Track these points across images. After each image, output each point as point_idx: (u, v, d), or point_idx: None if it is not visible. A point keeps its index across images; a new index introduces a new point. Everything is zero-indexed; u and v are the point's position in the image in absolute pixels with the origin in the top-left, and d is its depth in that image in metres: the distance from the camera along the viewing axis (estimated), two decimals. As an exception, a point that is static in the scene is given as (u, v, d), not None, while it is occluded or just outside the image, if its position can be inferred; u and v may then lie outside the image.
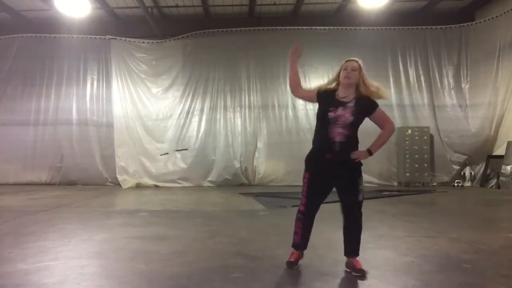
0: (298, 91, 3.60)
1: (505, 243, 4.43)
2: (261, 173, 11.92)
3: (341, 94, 3.36)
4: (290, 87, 3.65)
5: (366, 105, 3.34)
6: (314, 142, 3.47)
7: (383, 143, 3.38)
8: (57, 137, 12.01)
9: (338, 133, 3.26)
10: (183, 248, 4.20)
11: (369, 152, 3.32)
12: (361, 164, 3.37)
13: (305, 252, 3.52)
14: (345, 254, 3.39)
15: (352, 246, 3.36)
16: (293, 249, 3.50)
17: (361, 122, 3.37)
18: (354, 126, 3.31)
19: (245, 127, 12.11)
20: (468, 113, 11.83)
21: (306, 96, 3.67)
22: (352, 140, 3.32)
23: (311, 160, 3.45)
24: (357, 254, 3.35)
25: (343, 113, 3.26)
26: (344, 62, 3.39)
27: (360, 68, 3.33)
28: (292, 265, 3.41)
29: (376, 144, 3.36)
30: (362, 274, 3.22)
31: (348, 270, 3.33)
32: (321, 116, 3.37)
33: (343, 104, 3.30)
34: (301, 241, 3.46)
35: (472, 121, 11.70)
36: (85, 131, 12.01)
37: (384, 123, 3.40)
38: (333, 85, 3.44)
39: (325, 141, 3.32)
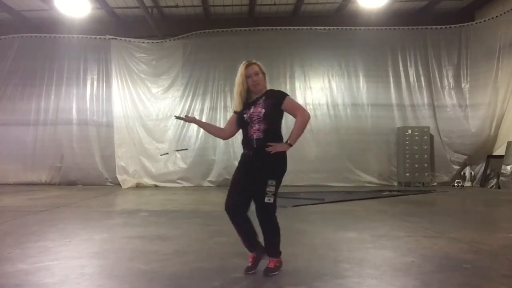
0: (225, 134, 3.62)
1: (505, 243, 4.43)
2: (261, 173, 11.90)
3: (253, 97, 3.42)
4: (218, 137, 3.80)
5: (275, 96, 3.37)
6: (241, 144, 3.45)
7: (299, 132, 3.29)
8: (57, 137, 12.01)
9: (255, 130, 3.26)
10: (183, 248, 4.20)
11: (289, 144, 3.25)
12: (284, 170, 3.32)
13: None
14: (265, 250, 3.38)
15: (267, 246, 3.33)
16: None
17: (277, 114, 3.33)
18: (269, 118, 3.27)
19: (245, 127, 12.08)
20: (468, 113, 11.83)
21: (233, 126, 3.52)
22: (270, 136, 3.25)
23: (239, 161, 3.47)
24: (273, 256, 3.30)
25: (255, 109, 3.29)
26: (244, 68, 3.39)
27: (260, 68, 3.41)
28: (248, 270, 3.32)
29: (293, 135, 3.27)
30: (265, 274, 3.22)
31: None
32: (240, 121, 3.39)
33: (253, 102, 3.36)
34: (244, 243, 3.40)
35: (472, 121, 11.70)
36: (85, 131, 12.01)
37: (295, 111, 3.34)
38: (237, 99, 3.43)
39: (245, 140, 3.35)
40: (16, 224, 5.51)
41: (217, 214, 6.74)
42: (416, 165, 11.47)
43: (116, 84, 11.94)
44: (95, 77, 12.22)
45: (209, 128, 3.82)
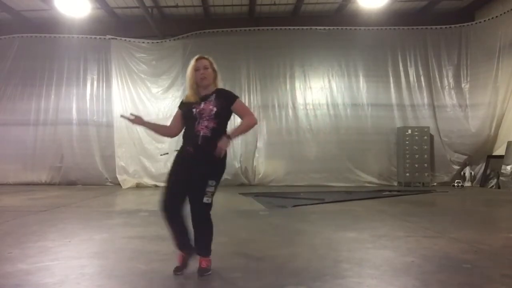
0: (173, 131, 3.50)
1: (505, 243, 4.43)
2: (261, 173, 11.92)
3: (201, 93, 3.36)
4: (166, 136, 3.69)
5: (226, 96, 3.36)
6: (182, 138, 3.39)
7: (241, 132, 3.31)
8: (57, 137, 12.00)
9: (203, 127, 3.22)
10: (183, 248, 4.19)
11: (228, 137, 3.19)
12: (223, 169, 3.30)
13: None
14: (195, 250, 3.33)
15: (198, 245, 3.29)
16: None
17: (226, 114, 3.32)
18: (219, 118, 3.25)
19: (245, 127, 12.07)
20: (468, 113, 11.82)
21: (179, 121, 3.44)
22: (217, 135, 3.19)
23: (176, 155, 3.39)
24: (205, 255, 3.27)
25: (206, 106, 3.25)
26: (194, 61, 3.37)
27: (211, 63, 3.40)
28: (178, 270, 3.27)
29: (236, 131, 3.26)
30: (199, 274, 3.19)
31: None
32: (187, 115, 3.32)
33: (204, 99, 3.31)
34: (176, 241, 3.35)
35: (472, 121, 11.70)
36: (85, 131, 12.00)
37: (243, 114, 3.34)
38: (189, 91, 3.38)
39: (190, 135, 3.29)
40: (16, 224, 5.50)
41: (217, 214, 6.74)
42: (416, 165, 11.46)
43: (116, 84, 11.93)
44: (95, 77, 12.21)
45: (156, 128, 3.69)
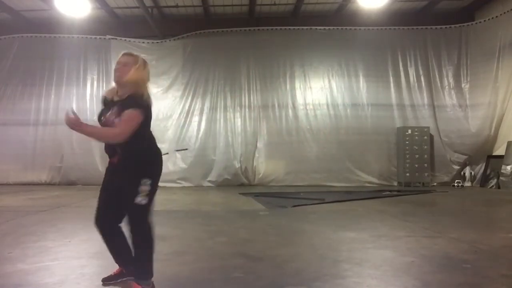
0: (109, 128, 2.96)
1: (505, 243, 4.43)
2: (261, 173, 11.92)
3: (119, 93, 2.92)
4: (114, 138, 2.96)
5: (127, 103, 2.77)
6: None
7: (93, 134, 2.78)
8: (57, 137, 11.99)
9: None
10: (183, 248, 4.20)
11: (80, 122, 2.66)
12: (159, 169, 2.95)
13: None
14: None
15: (136, 266, 2.87)
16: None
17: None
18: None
19: (245, 127, 12.10)
20: (468, 113, 11.83)
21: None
22: (133, 142, 2.75)
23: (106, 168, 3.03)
24: (141, 279, 2.81)
25: (110, 117, 2.80)
26: (119, 57, 2.98)
27: (135, 62, 2.88)
28: (107, 279, 3.00)
29: (92, 128, 2.75)
30: None
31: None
32: (99, 119, 2.92)
33: (113, 105, 2.84)
34: (115, 259, 3.05)
35: (472, 121, 11.70)
36: (85, 131, 12.00)
37: (117, 124, 2.74)
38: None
39: (106, 145, 2.90)
40: (16, 224, 5.50)
41: (217, 214, 6.75)
42: (416, 165, 11.46)
43: (116, 84, 11.92)
44: (95, 77, 12.21)
45: (94, 130, 3.00)
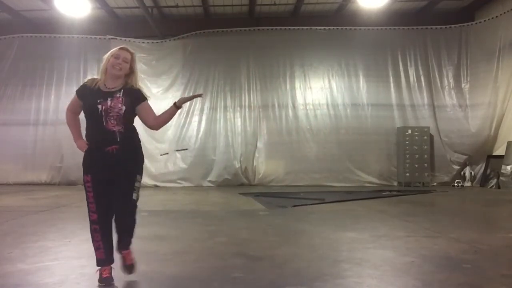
0: (73, 117, 3.30)
1: (505, 243, 4.43)
2: (261, 173, 11.92)
3: (109, 84, 3.06)
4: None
5: (135, 94, 3.11)
6: (88, 139, 3.07)
7: (170, 116, 3.28)
8: (57, 137, 11.97)
9: (114, 124, 2.98)
10: (183, 248, 4.20)
11: (177, 106, 3.26)
12: (142, 161, 3.20)
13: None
14: (117, 248, 3.18)
15: (125, 241, 3.17)
16: (100, 268, 3.08)
17: (133, 113, 3.14)
18: (128, 116, 3.06)
19: (245, 127, 12.10)
20: (468, 113, 11.83)
21: (75, 106, 3.23)
22: (130, 130, 3.11)
23: (88, 160, 3.09)
24: (127, 247, 3.18)
25: (114, 104, 2.98)
26: (117, 49, 3.07)
27: (133, 59, 3.13)
28: (110, 280, 3.07)
29: (164, 115, 3.27)
30: (129, 272, 3.14)
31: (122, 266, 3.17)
32: (90, 110, 3.01)
33: (110, 94, 3.01)
34: (106, 256, 3.10)
35: (472, 121, 11.70)
36: (86, 131, 12.00)
37: (150, 115, 3.22)
38: (101, 76, 3.10)
39: (102, 133, 2.98)
40: (16, 224, 5.50)
41: (217, 214, 6.75)
42: (416, 165, 11.46)
43: (116, 84, 11.93)
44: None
45: (73, 124, 3.35)
